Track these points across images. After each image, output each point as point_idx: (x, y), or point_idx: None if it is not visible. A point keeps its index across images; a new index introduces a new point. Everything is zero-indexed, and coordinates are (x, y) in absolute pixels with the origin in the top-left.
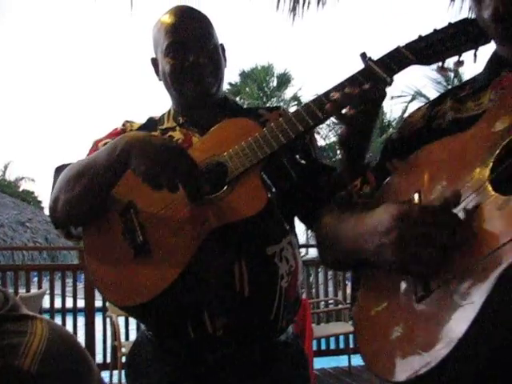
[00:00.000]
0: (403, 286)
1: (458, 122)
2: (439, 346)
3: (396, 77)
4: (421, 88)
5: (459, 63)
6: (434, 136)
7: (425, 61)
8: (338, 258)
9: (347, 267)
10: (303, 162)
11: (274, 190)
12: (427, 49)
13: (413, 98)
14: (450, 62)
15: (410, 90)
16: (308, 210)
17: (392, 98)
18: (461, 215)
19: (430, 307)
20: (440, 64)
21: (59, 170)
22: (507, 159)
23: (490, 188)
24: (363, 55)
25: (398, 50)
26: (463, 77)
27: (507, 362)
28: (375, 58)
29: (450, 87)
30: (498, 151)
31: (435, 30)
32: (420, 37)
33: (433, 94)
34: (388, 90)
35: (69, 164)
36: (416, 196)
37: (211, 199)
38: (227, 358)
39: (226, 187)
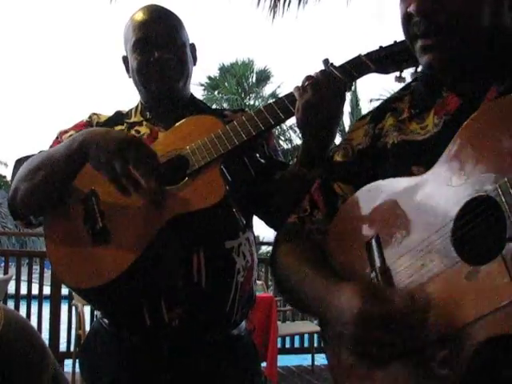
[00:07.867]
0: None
1: (405, 143)
2: None
3: (374, 80)
4: None
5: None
6: (379, 157)
7: (383, 70)
8: (303, 308)
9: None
10: (263, 160)
11: (233, 185)
12: (386, 58)
13: None
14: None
15: (388, 94)
16: (265, 206)
17: (371, 100)
18: (425, 277)
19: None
20: (398, 74)
21: (20, 161)
22: (468, 219)
23: (455, 253)
24: (325, 61)
25: (358, 57)
26: None
27: None
28: (337, 64)
29: None
30: (458, 209)
31: (395, 42)
32: (380, 47)
33: None
34: (366, 92)
35: (30, 156)
36: (374, 242)
37: (171, 190)
38: (182, 348)
39: (186, 179)
